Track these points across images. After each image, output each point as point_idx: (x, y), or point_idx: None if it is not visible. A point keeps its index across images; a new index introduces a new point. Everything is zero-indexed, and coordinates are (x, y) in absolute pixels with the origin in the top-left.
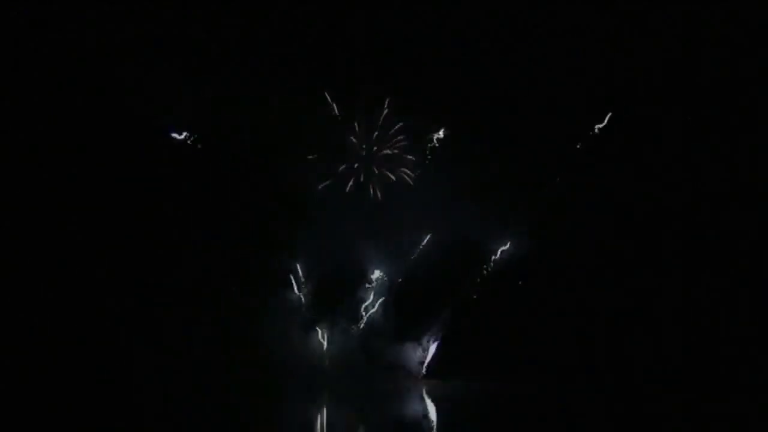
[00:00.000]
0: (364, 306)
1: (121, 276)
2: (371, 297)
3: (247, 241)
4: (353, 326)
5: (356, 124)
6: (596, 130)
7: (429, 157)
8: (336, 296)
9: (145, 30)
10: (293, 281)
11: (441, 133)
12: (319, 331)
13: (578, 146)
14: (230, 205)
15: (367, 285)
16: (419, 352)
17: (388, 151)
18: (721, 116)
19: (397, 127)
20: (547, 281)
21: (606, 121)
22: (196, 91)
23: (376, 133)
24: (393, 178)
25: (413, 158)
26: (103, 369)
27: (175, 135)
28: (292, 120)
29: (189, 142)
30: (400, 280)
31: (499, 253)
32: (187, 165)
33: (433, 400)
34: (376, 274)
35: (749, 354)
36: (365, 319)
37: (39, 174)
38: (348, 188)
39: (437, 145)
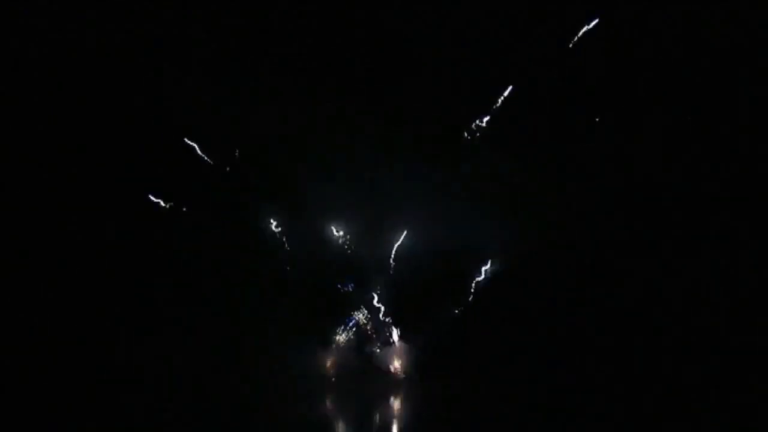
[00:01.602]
0: (359, 309)
1: (121, 276)
2: (367, 300)
3: (246, 244)
4: (349, 329)
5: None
6: (595, 131)
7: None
8: (333, 300)
9: (146, 30)
10: (291, 285)
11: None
12: (316, 335)
13: (578, 146)
14: (230, 209)
15: (363, 288)
16: (414, 353)
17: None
18: (720, 116)
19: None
20: (544, 282)
21: (606, 121)
22: (198, 92)
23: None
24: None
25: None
26: (102, 369)
27: (176, 136)
28: (294, 125)
29: (193, 144)
30: (395, 283)
31: (496, 254)
32: (187, 167)
33: (428, 402)
34: (373, 277)
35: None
36: (360, 322)
37: (39, 174)
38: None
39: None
